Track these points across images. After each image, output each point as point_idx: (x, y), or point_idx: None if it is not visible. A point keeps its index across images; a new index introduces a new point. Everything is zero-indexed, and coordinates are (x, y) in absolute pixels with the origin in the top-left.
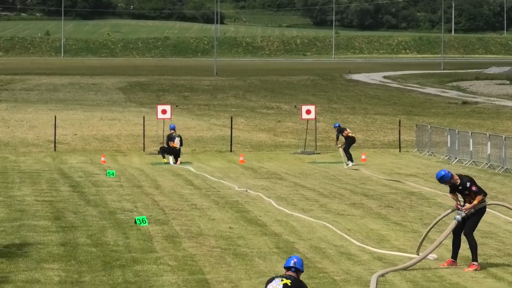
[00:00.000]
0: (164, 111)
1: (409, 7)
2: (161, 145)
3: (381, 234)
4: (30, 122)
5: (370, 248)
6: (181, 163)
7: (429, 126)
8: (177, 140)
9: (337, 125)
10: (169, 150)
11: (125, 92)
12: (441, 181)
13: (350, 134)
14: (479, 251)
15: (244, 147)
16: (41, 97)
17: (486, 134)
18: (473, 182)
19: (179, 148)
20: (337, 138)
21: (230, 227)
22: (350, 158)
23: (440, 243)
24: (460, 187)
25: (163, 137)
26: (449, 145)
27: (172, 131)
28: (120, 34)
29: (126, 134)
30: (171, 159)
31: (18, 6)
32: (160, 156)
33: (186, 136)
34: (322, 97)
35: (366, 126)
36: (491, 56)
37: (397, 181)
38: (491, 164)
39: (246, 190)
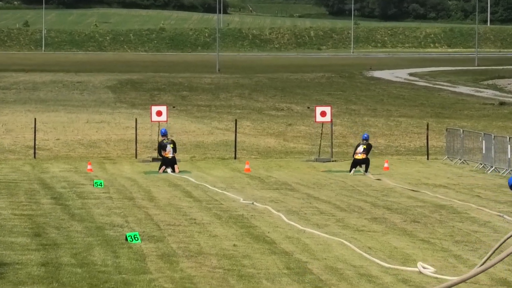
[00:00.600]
0: (159, 113)
1: None
2: (158, 157)
3: (406, 253)
4: (6, 125)
5: (397, 267)
6: (179, 171)
7: (461, 130)
8: (169, 148)
9: (365, 136)
10: (163, 162)
11: (114, 91)
12: None
13: (357, 156)
14: None
15: (250, 154)
16: (19, 97)
17: None
18: None
19: (173, 156)
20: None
21: (234, 245)
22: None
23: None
24: None
25: (158, 142)
26: (484, 151)
27: (163, 137)
28: (109, 25)
29: (116, 139)
30: (168, 169)
31: None
32: (156, 166)
33: (184, 141)
34: (339, 97)
35: (389, 130)
36: None
37: (424, 192)
38: None
39: (253, 203)
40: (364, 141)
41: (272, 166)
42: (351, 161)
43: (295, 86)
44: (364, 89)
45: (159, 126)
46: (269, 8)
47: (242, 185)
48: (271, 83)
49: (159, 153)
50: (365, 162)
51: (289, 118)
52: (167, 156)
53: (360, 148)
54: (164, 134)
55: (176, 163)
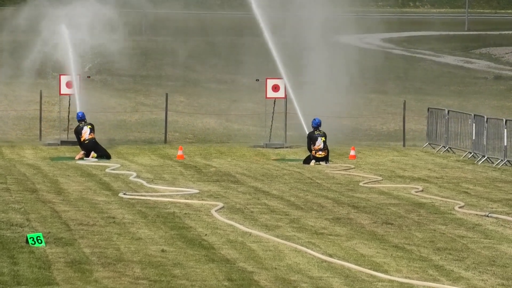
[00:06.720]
0: (69, 84)
1: None
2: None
3: (376, 262)
4: None
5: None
6: (96, 157)
7: (446, 111)
8: (85, 129)
9: (318, 122)
10: (85, 149)
11: (12, 54)
12: None
13: (319, 154)
14: None
15: (185, 137)
16: None
17: None
18: None
19: (90, 139)
20: (309, 148)
21: (162, 250)
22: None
23: None
24: None
25: (69, 120)
26: (474, 137)
27: (81, 122)
28: None
29: (15, 116)
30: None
31: None
32: (65, 151)
33: (102, 120)
34: (295, 67)
35: (357, 110)
36: None
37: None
38: None
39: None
40: (319, 131)
41: (212, 152)
42: (307, 155)
43: (242, 53)
44: (326, 58)
45: (69, 100)
46: None
47: (174, 175)
48: (211, 48)
49: (79, 142)
50: (326, 158)
51: (234, 92)
52: (83, 139)
53: (320, 143)
54: (81, 118)
55: (98, 146)
